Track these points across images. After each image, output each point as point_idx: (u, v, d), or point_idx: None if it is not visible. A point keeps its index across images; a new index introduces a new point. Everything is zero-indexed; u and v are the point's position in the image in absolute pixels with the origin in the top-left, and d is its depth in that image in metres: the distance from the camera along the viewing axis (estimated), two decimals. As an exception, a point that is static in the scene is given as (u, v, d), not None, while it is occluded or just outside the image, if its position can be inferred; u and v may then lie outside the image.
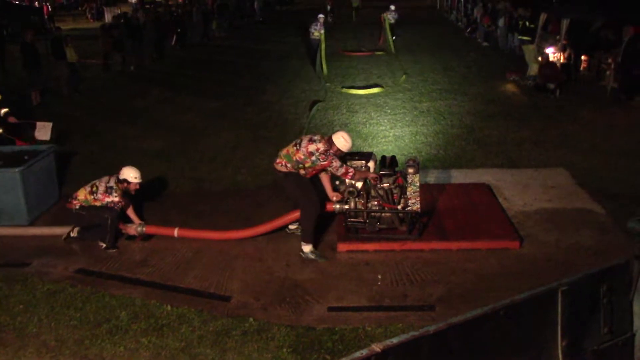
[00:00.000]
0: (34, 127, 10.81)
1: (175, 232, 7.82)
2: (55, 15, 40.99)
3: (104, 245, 7.63)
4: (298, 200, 7.28)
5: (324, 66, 18.44)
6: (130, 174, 7.73)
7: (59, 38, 17.21)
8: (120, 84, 18.92)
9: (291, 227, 7.67)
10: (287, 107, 14.92)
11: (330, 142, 7.08)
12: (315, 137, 7.14)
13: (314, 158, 6.99)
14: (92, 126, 13.70)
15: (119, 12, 32.01)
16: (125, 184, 7.73)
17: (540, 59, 15.83)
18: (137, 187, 7.83)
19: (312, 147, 6.98)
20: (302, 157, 7.03)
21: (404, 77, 17.16)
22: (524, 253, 7.13)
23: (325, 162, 6.99)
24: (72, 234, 7.86)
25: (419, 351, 2.70)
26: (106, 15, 37.94)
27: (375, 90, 16.42)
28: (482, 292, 6.25)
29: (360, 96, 15.50)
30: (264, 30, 32.36)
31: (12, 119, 10.52)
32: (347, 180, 7.39)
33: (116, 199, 7.64)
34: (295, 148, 7.09)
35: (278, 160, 7.20)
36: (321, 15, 20.58)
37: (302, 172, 7.15)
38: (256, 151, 11.45)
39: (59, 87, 16.95)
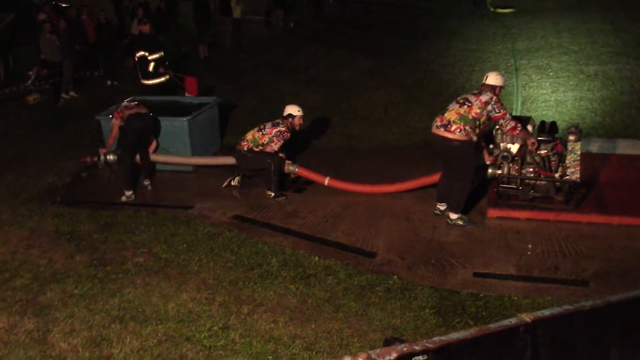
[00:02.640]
0: (183, 81, 11.43)
1: (326, 180, 8.07)
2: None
3: (272, 194, 8.03)
4: (461, 173, 6.89)
5: None
6: (295, 109, 8.24)
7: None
8: (280, 40, 19.51)
9: (441, 207, 7.26)
10: (443, 67, 14.59)
11: (489, 89, 6.92)
12: (474, 92, 6.96)
13: (489, 108, 6.75)
14: (252, 80, 14.32)
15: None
16: (290, 119, 8.17)
17: None
18: (301, 121, 8.32)
19: (485, 98, 6.78)
20: (479, 111, 6.75)
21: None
22: (695, 235, 6.52)
23: (500, 113, 6.78)
24: (232, 183, 8.38)
25: (571, 326, 2.60)
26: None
27: (507, 10, 20.93)
28: (644, 273, 5.84)
29: (521, 57, 14.75)
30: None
31: (162, 69, 11.19)
32: (501, 145, 7.15)
33: (283, 129, 8.10)
34: (466, 106, 6.75)
35: (454, 127, 6.67)
36: None
37: (475, 134, 6.83)
38: (408, 111, 11.37)
39: (223, 42, 17.83)
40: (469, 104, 6.77)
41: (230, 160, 8.50)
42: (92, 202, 8.24)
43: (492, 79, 7.00)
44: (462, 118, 6.72)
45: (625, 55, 14.32)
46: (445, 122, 6.78)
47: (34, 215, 7.77)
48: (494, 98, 6.82)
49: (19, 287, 6.13)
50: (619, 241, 6.47)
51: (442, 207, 7.23)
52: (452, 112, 6.81)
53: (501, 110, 6.79)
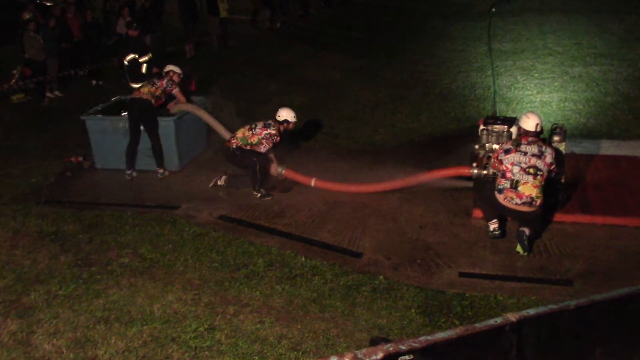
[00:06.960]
0: None
1: (313, 182, 8.07)
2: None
3: (258, 194, 8.02)
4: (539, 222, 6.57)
5: None
6: (291, 115, 8.17)
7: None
8: (267, 40, 19.47)
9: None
10: (429, 67, 14.65)
11: (537, 135, 6.48)
12: (535, 152, 6.30)
13: (553, 166, 6.41)
14: (239, 80, 14.28)
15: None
16: (285, 124, 8.15)
17: None
18: (293, 126, 8.30)
19: (549, 158, 6.31)
20: (547, 174, 6.37)
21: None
22: (678, 234, 6.59)
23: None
24: (219, 183, 8.35)
25: (556, 325, 2.62)
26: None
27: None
28: (627, 272, 5.88)
29: (506, 58, 14.84)
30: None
31: (156, 70, 11.06)
32: (487, 145, 7.18)
33: (273, 132, 8.03)
34: (539, 176, 6.24)
35: (539, 202, 6.28)
36: None
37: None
38: (395, 111, 11.40)
39: (210, 42, 17.78)
40: (541, 173, 6.27)
41: (226, 134, 8.70)
42: (76, 203, 8.17)
43: (532, 122, 6.39)
44: (541, 189, 6.29)
45: (609, 57, 14.46)
46: (527, 199, 6.26)
47: (17, 215, 7.70)
48: (551, 150, 6.38)
49: (2, 288, 6.06)
50: (603, 241, 6.53)
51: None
52: (529, 187, 6.25)
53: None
